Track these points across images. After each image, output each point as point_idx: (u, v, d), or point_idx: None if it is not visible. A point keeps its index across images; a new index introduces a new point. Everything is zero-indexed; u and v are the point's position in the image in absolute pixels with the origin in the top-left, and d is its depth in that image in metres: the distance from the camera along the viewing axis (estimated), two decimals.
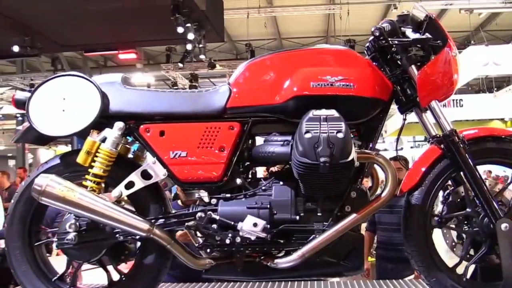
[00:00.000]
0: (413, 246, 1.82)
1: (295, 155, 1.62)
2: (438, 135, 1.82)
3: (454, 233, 1.89)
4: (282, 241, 1.74)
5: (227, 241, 1.67)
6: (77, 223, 1.76)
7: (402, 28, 1.79)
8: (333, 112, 1.63)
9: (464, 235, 1.87)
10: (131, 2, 6.93)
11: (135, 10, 7.12)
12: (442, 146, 1.80)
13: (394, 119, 13.50)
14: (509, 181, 1.88)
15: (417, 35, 1.74)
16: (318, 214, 1.74)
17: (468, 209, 1.83)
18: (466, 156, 1.75)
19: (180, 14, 6.74)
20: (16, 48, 7.25)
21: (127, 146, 1.92)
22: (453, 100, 11.39)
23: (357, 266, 1.79)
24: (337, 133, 1.58)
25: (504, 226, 1.72)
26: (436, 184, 1.82)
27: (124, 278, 1.87)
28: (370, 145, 1.81)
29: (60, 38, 7.87)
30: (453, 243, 1.91)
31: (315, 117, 1.62)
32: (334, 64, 1.77)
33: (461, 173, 1.79)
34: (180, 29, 7.02)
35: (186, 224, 1.71)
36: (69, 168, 1.85)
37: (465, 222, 1.86)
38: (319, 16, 12.11)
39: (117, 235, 1.78)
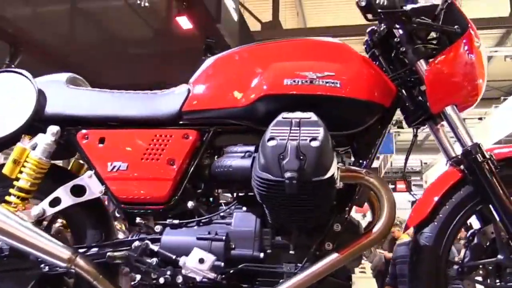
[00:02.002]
0: None
1: (256, 169, 1.23)
2: (458, 155, 1.38)
3: None
4: (242, 285, 1.32)
5: (162, 281, 1.28)
6: None
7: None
8: (310, 115, 1.25)
9: None
10: (167, 46, 7.00)
11: (171, 53, 7.20)
12: (462, 167, 1.35)
13: (436, 168, 12.63)
14: None
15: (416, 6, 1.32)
16: (290, 251, 1.32)
17: (500, 256, 1.35)
18: (495, 181, 1.29)
19: (211, 54, 6.66)
20: None
21: (81, 162, 1.63)
22: None
23: None
24: (310, 140, 1.19)
25: None
26: (455, 219, 1.36)
27: None
28: (364, 164, 1.39)
29: (100, 77, 8.03)
30: None
31: (285, 121, 1.25)
32: (319, 58, 1.39)
33: (490, 205, 1.33)
34: None
35: (108, 254, 1.34)
36: (1, 182, 1.55)
37: (497, 273, 1.37)
38: None
39: (42, 265, 1.43)
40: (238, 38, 6.80)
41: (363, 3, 1.31)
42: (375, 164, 15.13)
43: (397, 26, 1.36)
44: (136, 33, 6.79)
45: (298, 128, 1.22)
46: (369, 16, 1.34)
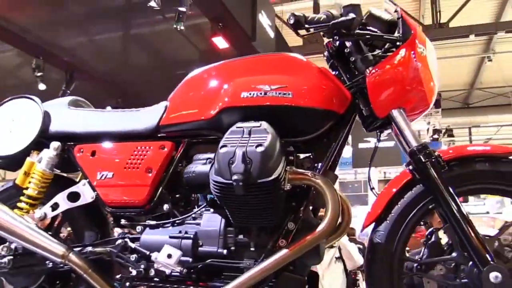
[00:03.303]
0: None
1: (211, 174, 1.39)
2: None
3: None
4: (208, 278, 1.47)
5: (135, 273, 1.46)
6: (11, 247, 1.69)
7: None
8: (260, 124, 1.39)
9: None
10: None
11: None
12: (410, 168, 1.42)
13: None
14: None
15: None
16: (251, 248, 1.45)
17: (454, 254, 1.39)
18: (438, 179, 1.35)
19: None
20: (109, 109, 7.98)
21: None
22: None
23: None
24: (256, 146, 1.33)
25: (494, 276, 1.27)
26: (407, 217, 1.42)
27: None
28: (319, 167, 1.49)
29: (150, 98, 8.53)
30: None
31: (237, 130, 1.40)
32: (275, 72, 1.53)
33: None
34: None
35: (90, 250, 1.54)
36: (19, 191, 1.82)
37: (455, 270, 1.41)
38: None
39: (47, 261, 1.67)
40: None
41: (292, 21, 1.43)
42: None
43: (313, 26, 1.45)
44: (179, 55, 7.19)
45: (248, 136, 1.37)
46: (301, 32, 1.46)
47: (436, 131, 13.32)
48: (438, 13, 9.05)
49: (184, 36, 6.50)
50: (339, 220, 1.68)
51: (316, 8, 8.53)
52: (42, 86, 6.45)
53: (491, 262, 1.28)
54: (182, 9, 5.13)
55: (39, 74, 6.36)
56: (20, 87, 6.99)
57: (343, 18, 1.41)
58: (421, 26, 9.58)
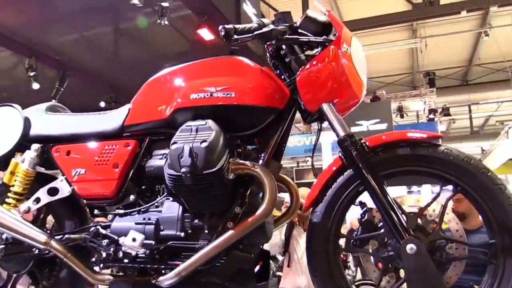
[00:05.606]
0: (315, 269, 1.63)
1: (165, 167, 1.60)
2: None
3: None
4: (167, 258, 1.68)
5: (105, 255, 1.68)
6: (2, 237, 1.92)
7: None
8: (206, 122, 1.60)
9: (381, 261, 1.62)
10: (196, 57, 7.44)
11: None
12: (340, 155, 1.62)
13: (495, 153, 12.13)
14: (434, 197, 1.60)
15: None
16: (205, 231, 1.66)
17: (382, 230, 1.59)
18: (361, 163, 1.54)
19: None
20: (102, 104, 8.19)
21: None
22: None
23: None
24: (201, 142, 1.54)
25: (409, 247, 1.47)
26: (340, 198, 1.63)
27: None
28: (263, 156, 1.69)
29: None
30: (374, 270, 1.66)
31: (186, 128, 1.61)
32: (220, 74, 1.72)
33: None
34: None
35: (66, 237, 1.76)
36: (6, 188, 2.03)
37: (385, 244, 1.61)
38: (403, 51, 11.69)
39: (34, 249, 1.89)
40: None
41: (223, 33, 1.59)
42: None
43: (241, 37, 1.61)
44: (167, 49, 7.33)
45: (195, 133, 1.57)
46: (232, 42, 1.64)
47: (431, 110, 13.28)
48: None
49: (171, 30, 6.65)
50: (288, 203, 1.91)
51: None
52: (36, 85, 6.64)
53: (407, 236, 1.47)
54: (165, 4, 5.28)
55: (32, 73, 6.55)
56: (15, 87, 7.19)
57: (263, 30, 1.59)
58: (411, 5, 9.68)
